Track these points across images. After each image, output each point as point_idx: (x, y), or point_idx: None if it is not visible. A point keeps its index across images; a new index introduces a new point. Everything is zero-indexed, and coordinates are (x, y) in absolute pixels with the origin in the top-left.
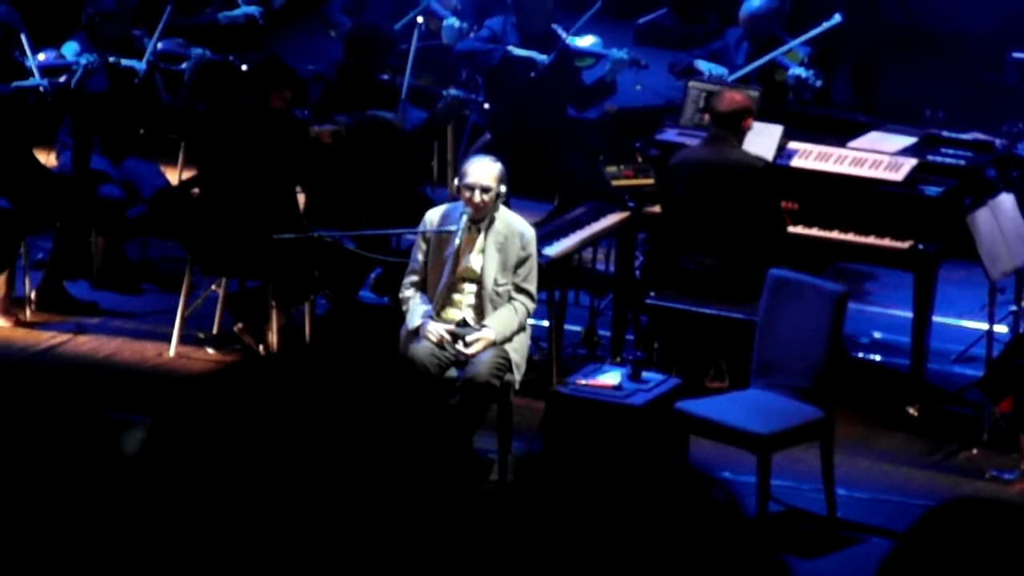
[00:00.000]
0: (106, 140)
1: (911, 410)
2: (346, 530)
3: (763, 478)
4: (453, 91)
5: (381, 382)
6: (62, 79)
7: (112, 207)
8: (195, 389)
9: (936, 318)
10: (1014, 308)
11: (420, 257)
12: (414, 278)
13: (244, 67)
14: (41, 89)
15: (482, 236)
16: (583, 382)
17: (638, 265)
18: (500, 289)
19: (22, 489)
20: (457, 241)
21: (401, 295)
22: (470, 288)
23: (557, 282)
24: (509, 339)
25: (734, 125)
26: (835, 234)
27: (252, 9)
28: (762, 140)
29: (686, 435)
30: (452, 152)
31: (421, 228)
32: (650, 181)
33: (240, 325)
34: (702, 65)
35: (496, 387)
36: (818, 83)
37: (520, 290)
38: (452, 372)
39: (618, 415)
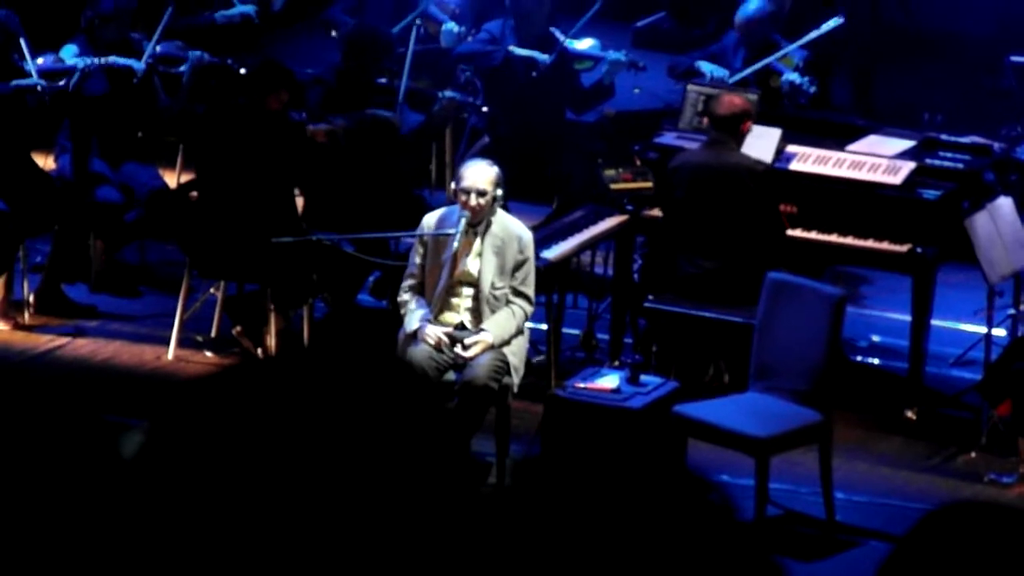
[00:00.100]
0: (105, 143)
1: (909, 413)
2: (345, 532)
3: (761, 481)
4: (450, 94)
5: (379, 385)
6: (61, 83)
7: (110, 210)
8: (193, 392)
9: (934, 321)
10: (1012, 311)
11: (418, 261)
12: (412, 282)
13: (242, 70)
14: (39, 88)
15: (479, 240)
16: (581, 385)
17: (637, 268)
18: (497, 292)
19: (21, 491)
20: (456, 244)
21: (399, 299)
22: (468, 292)
23: (556, 285)
24: (507, 342)
25: (733, 128)
26: (833, 237)
27: (248, 8)
28: (760, 143)
29: (684, 438)
30: (451, 155)
31: (419, 232)
32: (648, 184)
33: (239, 328)
34: (704, 67)
35: (494, 390)
36: (812, 89)
37: (518, 293)
38: (450, 375)
39: (616, 418)
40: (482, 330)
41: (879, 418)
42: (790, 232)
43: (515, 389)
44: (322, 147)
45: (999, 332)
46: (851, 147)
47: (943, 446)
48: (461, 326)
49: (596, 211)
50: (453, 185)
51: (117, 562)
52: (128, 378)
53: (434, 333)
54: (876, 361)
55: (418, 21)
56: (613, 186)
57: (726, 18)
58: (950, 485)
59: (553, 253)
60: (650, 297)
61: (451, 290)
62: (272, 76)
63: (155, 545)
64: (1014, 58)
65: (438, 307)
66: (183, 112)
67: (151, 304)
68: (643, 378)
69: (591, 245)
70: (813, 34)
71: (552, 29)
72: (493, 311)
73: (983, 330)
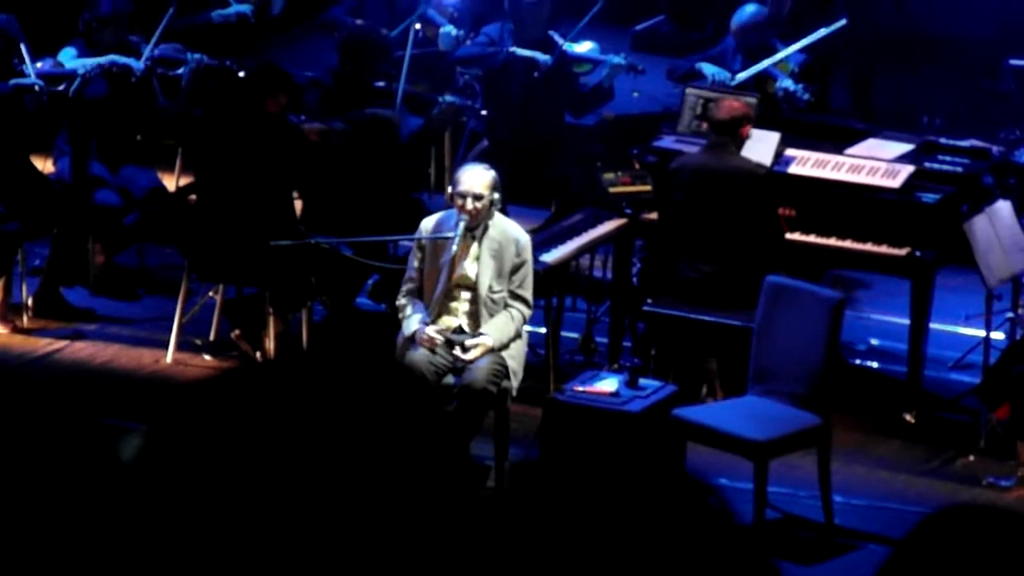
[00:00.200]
0: (103, 146)
1: (908, 417)
2: (343, 537)
3: (760, 485)
4: (449, 97)
5: (378, 389)
6: (60, 87)
7: (109, 214)
8: (192, 396)
9: (933, 325)
10: (1011, 315)
11: (416, 264)
12: (410, 286)
13: (241, 73)
14: (37, 88)
15: (477, 243)
16: (580, 389)
17: (635, 272)
18: (495, 296)
19: (19, 496)
20: (454, 248)
21: (397, 303)
22: (466, 295)
23: (554, 289)
24: (506, 346)
25: (733, 132)
26: (832, 241)
27: (244, 8)
28: (759, 147)
29: (683, 442)
30: (450, 158)
31: (417, 235)
32: (647, 188)
33: (237, 332)
34: (706, 69)
35: (493, 394)
36: (806, 96)
37: (516, 297)
38: (449, 379)
39: (615, 422)
40: (481, 334)
41: (878, 422)
42: (789, 236)
43: (514, 392)
44: (321, 151)
45: (998, 335)
46: (850, 150)
47: (942, 450)
48: (459, 330)
49: (595, 214)
50: (450, 189)
51: (116, 565)
52: (127, 381)
53: (427, 333)
54: (875, 364)
55: (416, 24)
56: (612, 189)
57: (725, 22)
58: (949, 489)
59: (552, 256)
60: (649, 301)
61: (449, 294)
62: (270, 79)
63: (154, 548)
64: (1013, 61)
65: (436, 311)
66: (182, 115)
67: (150, 307)
68: (642, 382)
69: (590, 248)
70: (815, 36)
71: (551, 32)
72: (491, 314)
73: (982, 334)
